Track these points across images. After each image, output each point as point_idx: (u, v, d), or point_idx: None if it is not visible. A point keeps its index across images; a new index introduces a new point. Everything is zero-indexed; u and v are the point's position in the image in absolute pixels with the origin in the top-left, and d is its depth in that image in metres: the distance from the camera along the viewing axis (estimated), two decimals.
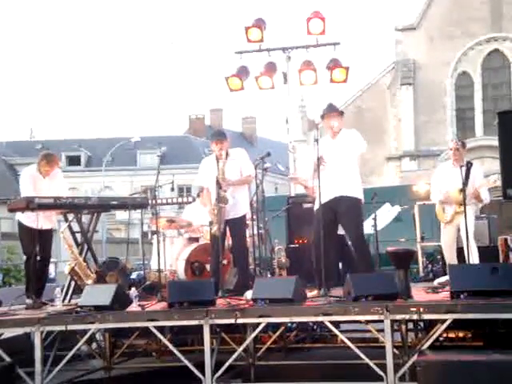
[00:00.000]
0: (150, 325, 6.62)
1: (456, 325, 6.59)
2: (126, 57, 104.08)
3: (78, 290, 7.85)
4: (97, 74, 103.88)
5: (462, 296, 6.01)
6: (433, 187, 8.16)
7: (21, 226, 7.85)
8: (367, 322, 6.33)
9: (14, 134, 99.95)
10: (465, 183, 7.42)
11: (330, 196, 7.04)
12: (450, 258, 7.89)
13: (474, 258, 7.48)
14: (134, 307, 6.90)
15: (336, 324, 6.62)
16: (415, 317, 6.06)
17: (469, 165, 7.86)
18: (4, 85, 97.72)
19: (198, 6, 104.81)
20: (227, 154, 7.70)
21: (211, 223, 7.64)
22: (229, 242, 8.10)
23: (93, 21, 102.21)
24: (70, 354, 6.82)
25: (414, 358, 5.99)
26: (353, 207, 7.13)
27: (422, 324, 7.06)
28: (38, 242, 7.80)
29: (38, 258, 7.84)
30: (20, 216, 7.83)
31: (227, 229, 7.75)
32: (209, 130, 47.10)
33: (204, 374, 6.38)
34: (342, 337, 6.54)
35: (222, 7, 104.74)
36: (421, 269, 9.90)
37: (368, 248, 7.47)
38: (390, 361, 6.03)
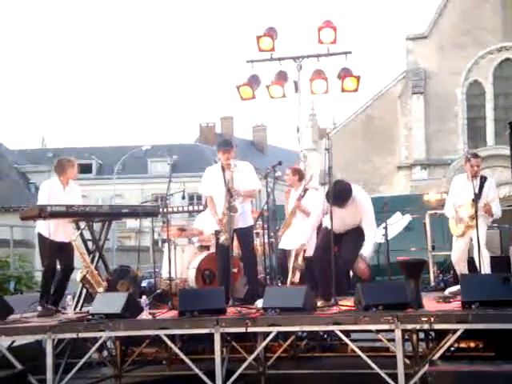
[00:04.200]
0: (161, 333, 6.64)
1: (467, 335, 6.58)
2: (137, 65, 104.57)
3: (90, 298, 7.89)
4: (108, 82, 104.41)
5: (473, 306, 6.00)
6: (448, 201, 8.16)
7: (40, 237, 7.92)
8: (378, 331, 6.32)
9: (25, 142, 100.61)
10: (477, 196, 7.41)
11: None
12: (460, 269, 7.90)
13: (485, 267, 7.47)
14: (144, 315, 6.92)
15: (346, 333, 6.62)
16: (426, 326, 6.05)
17: (483, 179, 7.87)
18: (16, 93, 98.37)
19: (209, 14, 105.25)
20: (234, 165, 7.69)
21: (218, 232, 7.65)
22: (238, 251, 8.11)
23: (104, 30, 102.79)
24: (82, 361, 6.85)
25: (425, 367, 5.98)
26: (358, 232, 7.29)
27: (433, 334, 7.04)
28: (60, 254, 7.88)
29: (62, 267, 7.95)
30: (40, 228, 7.91)
31: (234, 238, 7.76)
32: (219, 138, 47.19)
33: (215, 383, 6.38)
34: (352, 346, 6.54)
35: (233, 16, 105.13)
36: (432, 278, 9.87)
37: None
38: (400, 370, 6.02)
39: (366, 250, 7.21)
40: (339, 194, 7.09)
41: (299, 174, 8.74)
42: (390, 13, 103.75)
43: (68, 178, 8.04)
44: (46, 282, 7.93)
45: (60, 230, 7.87)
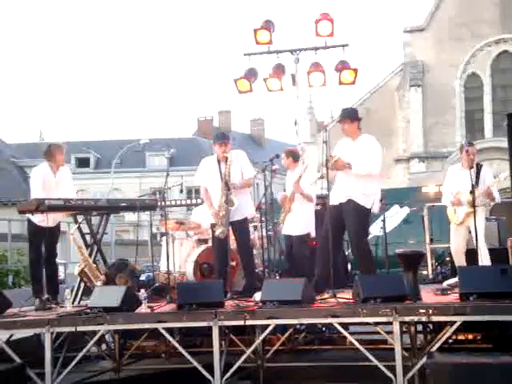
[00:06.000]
0: (159, 326, 6.64)
1: (465, 327, 6.58)
2: (135, 59, 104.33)
3: (88, 292, 7.89)
4: (106, 76, 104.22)
5: (471, 298, 6.00)
6: (444, 190, 8.17)
7: (29, 222, 7.95)
8: (376, 323, 6.32)
9: (23, 136, 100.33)
10: (475, 185, 7.43)
11: (339, 199, 7.10)
12: (459, 260, 7.89)
13: (484, 259, 7.47)
14: (143, 309, 6.92)
15: (345, 326, 6.63)
16: (424, 319, 6.05)
17: (479, 166, 7.88)
18: (13, 87, 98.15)
19: (206, 8, 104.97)
20: (231, 159, 7.67)
21: (214, 225, 7.65)
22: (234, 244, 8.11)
23: (101, 24, 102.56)
24: (80, 355, 6.85)
25: (423, 360, 5.99)
26: (358, 213, 7.11)
27: (431, 326, 7.05)
28: (46, 240, 7.91)
29: (45, 255, 7.97)
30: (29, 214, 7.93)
31: (230, 231, 7.75)
32: (217, 131, 47.09)
33: (213, 376, 6.39)
34: (350, 338, 6.55)
35: (230, 9, 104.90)
36: (430, 270, 9.89)
37: (369, 255, 7.42)
38: (399, 363, 6.03)
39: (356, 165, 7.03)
40: (349, 109, 7.51)
41: (292, 156, 8.64)
42: (387, 5, 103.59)
43: (58, 163, 8.04)
44: (35, 273, 7.96)
45: (49, 216, 7.86)
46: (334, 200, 7.15)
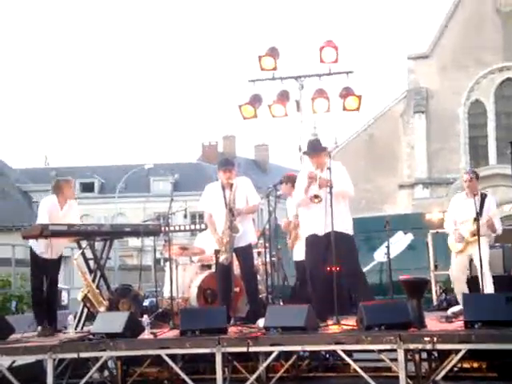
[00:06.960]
0: (162, 353, 6.60)
1: (470, 355, 6.53)
2: (140, 84, 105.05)
3: (91, 317, 7.87)
4: (111, 101, 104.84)
5: (476, 326, 5.96)
6: (447, 217, 8.17)
7: (32, 252, 7.97)
8: (380, 351, 6.27)
9: (28, 161, 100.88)
10: (479, 213, 7.41)
11: (321, 230, 7.12)
12: (459, 287, 7.87)
13: (488, 287, 7.43)
14: (146, 335, 6.89)
15: (349, 353, 6.58)
16: (429, 346, 6.01)
17: (483, 196, 7.88)
18: (19, 112, 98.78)
19: (212, 34, 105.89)
20: (236, 185, 7.67)
21: (218, 251, 7.63)
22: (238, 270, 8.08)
23: (106, 48, 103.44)
24: (83, 381, 6.81)
25: None
26: (352, 242, 7.25)
27: (436, 354, 6.99)
28: (47, 269, 7.92)
29: (48, 282, 7.96)
30: (32, 243, 7.94)
31: (234, 257, 7.74)
32: (221, 157, 47.17)
33: None
34: (354, 366, 6.49)
35: (235, 36, 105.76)
36: (434, 298, 9.82)
37: (366, 281, 7.48)
38: None
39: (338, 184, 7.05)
40: (318, 141, 7.59)
41: (291, 181, 8.55)
42: (391, 32, 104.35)
43: (66, 197, 8.09)
44: (36, 303, 8.01)
45: (50, 248, 7.87)
46: (319, 230, 7.12)
